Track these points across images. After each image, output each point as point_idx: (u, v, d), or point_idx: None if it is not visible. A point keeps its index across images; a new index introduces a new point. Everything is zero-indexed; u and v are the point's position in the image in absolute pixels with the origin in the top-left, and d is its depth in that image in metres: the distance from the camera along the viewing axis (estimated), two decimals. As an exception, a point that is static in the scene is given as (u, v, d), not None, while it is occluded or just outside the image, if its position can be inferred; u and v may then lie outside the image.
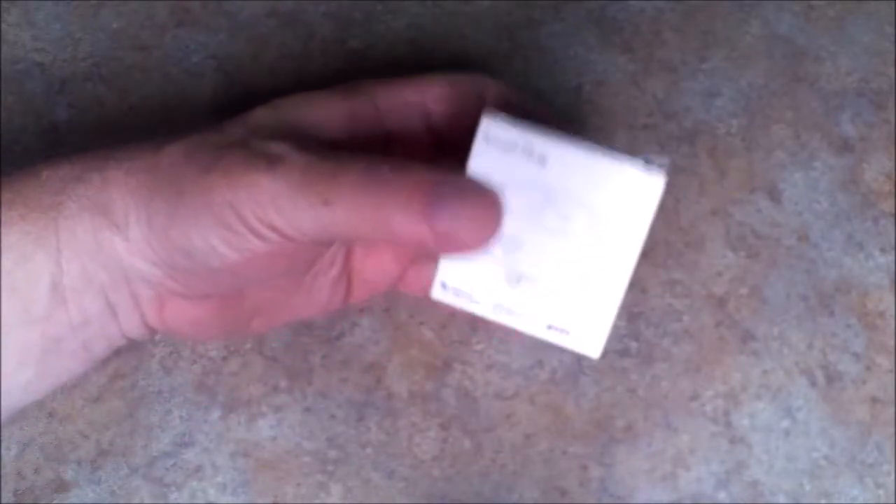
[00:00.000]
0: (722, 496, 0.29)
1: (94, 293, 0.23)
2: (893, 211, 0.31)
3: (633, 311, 0.30)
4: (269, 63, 0.32)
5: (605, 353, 0.30)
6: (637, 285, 0.31)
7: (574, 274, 0.22)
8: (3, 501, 0.28)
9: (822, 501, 0.29)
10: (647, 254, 0.31)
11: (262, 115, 0.24)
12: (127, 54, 0.32)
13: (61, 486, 0.29)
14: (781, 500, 0.29)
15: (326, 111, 0.24)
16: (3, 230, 0.22)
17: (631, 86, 0.32)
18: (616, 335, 0.30)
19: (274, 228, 0.21)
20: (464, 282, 0.23)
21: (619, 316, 0.30)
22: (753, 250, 0.31)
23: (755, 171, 0.32)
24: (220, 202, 0.21)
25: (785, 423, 0.29)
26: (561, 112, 0.32)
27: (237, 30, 0.33)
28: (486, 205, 0.20)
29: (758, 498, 0.29)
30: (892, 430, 0.29)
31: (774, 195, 0.31)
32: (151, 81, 0.32)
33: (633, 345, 0.30)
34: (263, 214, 0.21)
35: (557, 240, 0.22)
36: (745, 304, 0.30)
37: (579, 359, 0.30)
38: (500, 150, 0.21)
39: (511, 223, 0.21)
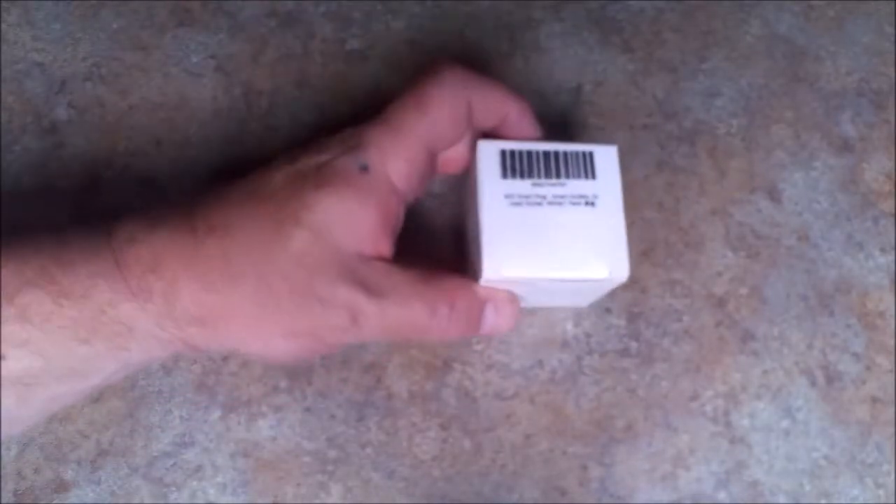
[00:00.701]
0: (722, 496, 0.29)
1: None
2: (893, 211, 0.31)
3: (633, 311, 0.30)
4: (269, 63, 0.32)
5: (605, 352, 0.30)
6: (637, 285, 0.31)
7: (579, 228, 0.25)
8: (3, 501, 0.28)
9: (822, 501, 0.29)
10: (647, 254, 0.31)
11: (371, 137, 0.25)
12: (127, 54, 0.32)
13: (61, 486, 0.29)
14: (781, 500, 0.29)
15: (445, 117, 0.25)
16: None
17: (631, 86, 0.32)
18: (616, 335, 0.30)
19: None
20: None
21: (619, 316, 0.30)
22: (753, 250, 0.31)
23: (755, 171, 0.32)
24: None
25: (785, 423, 0.29)
26: (561, 112, 0.32)
27: (237, 30, 0.33)
28: (514, 309, 0.26)
29: (758, 498, 0.29)
30: (892, 430, 0.29)
31: (774, 195, 0.31)
32: (151, 81, 0.32)
33: (633, 345, 0.30)
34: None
35: (557, 212, 0.25)
36: (745, 304, 0.30)
37: (579, 358, 0.30)
38: (499, 173, 0.25)
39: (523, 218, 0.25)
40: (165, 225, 0.23)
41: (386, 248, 0.24)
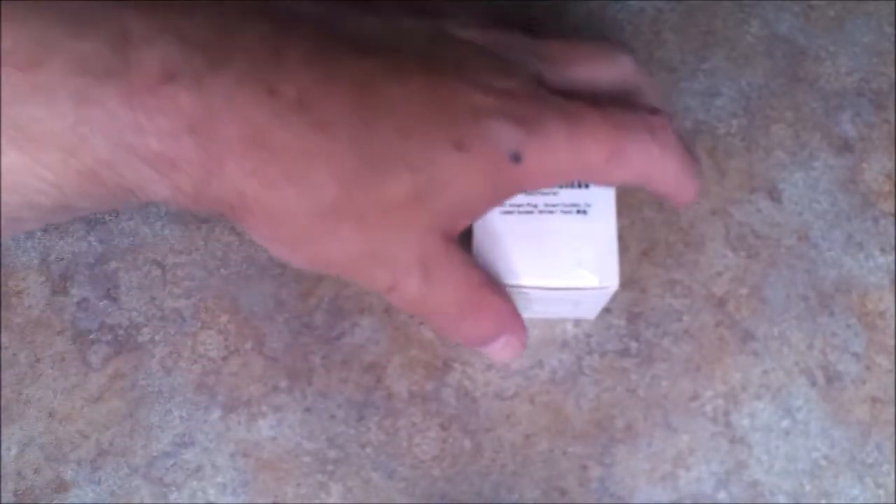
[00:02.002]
0: (722, 496, 0.29)
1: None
2: (893, 211, 0.31)
3: (633, 311, 0.30)
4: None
5: (605, 352, 0.30)
6: (637, 285, 0.31)
7: (569, 236, 0.25)
8: (3, 501, 0.28)
9: (822, 501, 0.29)
10: (647, 254, 0.31)
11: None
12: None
13: (61, 486, 0.29)
14: (781, 500, 0.29)
15: None
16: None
17: (631, 86, 0.32)
18: (616, 335, 0.30)
19: None
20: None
21: (619, 316, 0.30)
22: (753, 250, 0.31)
23: (755, 171, 0.32)
24: None
25: (785, 423, 0.29)
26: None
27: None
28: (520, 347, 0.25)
29: (758, 498, 0.29)
30: (892, 430, 0.29)
31: (774, 195, 0.31)
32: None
33: (633, 345, 0.30)
34: None
35: (548, 220, 0.25)
36: (745, 304, 0.30)
37: (579, 358, 0.30)
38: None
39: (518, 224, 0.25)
40: (232, 65, 0.18)
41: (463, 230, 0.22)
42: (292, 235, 0.20)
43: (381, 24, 0.21)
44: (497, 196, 0.21)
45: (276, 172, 0.18)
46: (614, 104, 0.21)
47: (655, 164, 0.22)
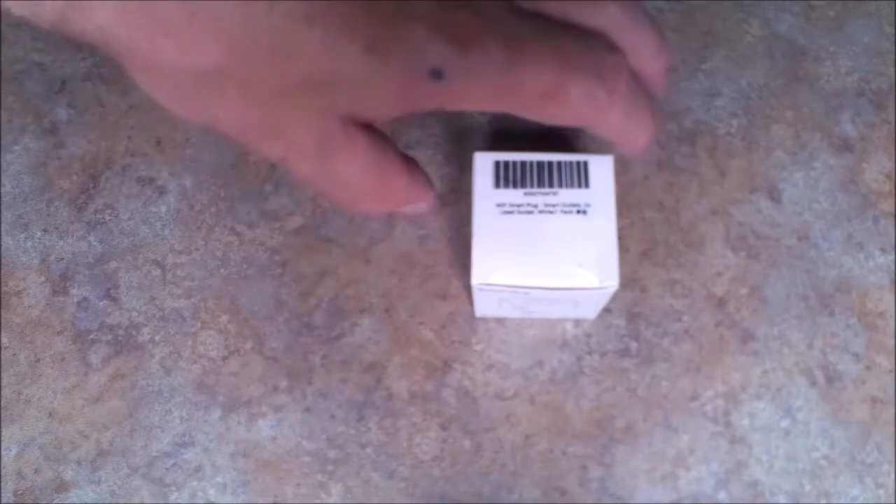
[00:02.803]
0: (722, 496, 0.29)
1: None
2: (893, 211, 0.31)
3: (633, 311, 0.30)
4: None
5: (605, 352, 0.30)
6: (637, 285, 0.31)
7: (569, 236, 0.25)
8: (3, 501, 0.28)
9: (822, 501, 0.29)
10: (647, 254, 0.31)
11: None
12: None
13: (61, 486, 0.29)
14: (781, 500, 0.29)
15: None
16: None
17: (631, 86, 0.32)
18: (616, 335, 0.30)
19: None
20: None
21: (619, 316, 0.30)
22: (753, 250, 0.31)
23: (755, 171, 0.32)
24: None
25: (785, 423, 0.29)
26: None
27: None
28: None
29: (758, 498, 0.29)
30: (892, 430, 0.29)
31: (774, 195, 0.31)
32: (151, 81, 0.32)
33: (633, 345, 0.30)
34: None
35: (548, 220, 0.25)
36: (745, 304, 0.30)
37: (579, 358, 0.30)
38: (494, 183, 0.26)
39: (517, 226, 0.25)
40: None
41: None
42: (174, 88, 0.19)
43: None
44: (409, 107, 0.19)
45: (149, 20, 0.17)
46: (570, 37, 0.19)
47: (599, 111, 0.20)
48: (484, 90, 0.19)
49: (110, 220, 0.32)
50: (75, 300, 0.31)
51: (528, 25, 0.19)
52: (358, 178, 0.20)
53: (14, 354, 0.30)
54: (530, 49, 0.19)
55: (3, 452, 0.29)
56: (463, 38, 0.18)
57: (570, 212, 0.25)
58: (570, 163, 0.26)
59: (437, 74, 0.18)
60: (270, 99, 0.18)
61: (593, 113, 0.20)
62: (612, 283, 0.24)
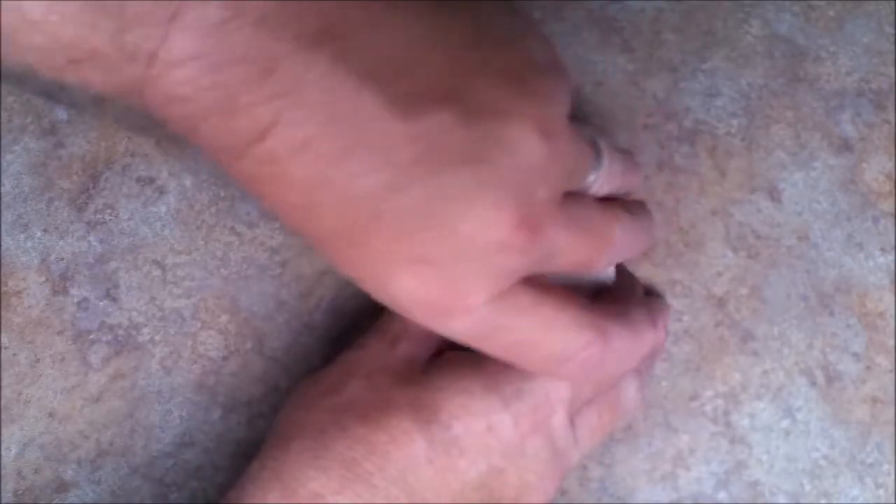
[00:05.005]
0: (722, 496, 0.29)
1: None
2: (893, 211, 0.31)
3: (633, 311, 0.30)
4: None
5: (605, 353, 0.30)
6: (637, 285, 0.31)
7: None
8: (3, 501, 0.28)
9: (822, 501, 0.29)
10: (647, 254, 0.31)
11: None
12: (127, 54, 0.32)
13: (61, 486, 0.29)
14: (781, 500, 0.29)
15: None
16: None
17: (631, 86, 0.32)
18: (616, 335, 0.30)
19: None
20: None
21: (619, 316, 0.30)
22: (753, 250, 0.31)
23: (755, 171, 0.32)
24: None
25: (785, 423, 0.29)
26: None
27: (237, 30, 0.33)
28: None
29: (758, 498, 0.29)
30: (892, 430, 0.29)
31: (774, 195, 0.31)
32: (151, 81, 0.32)
33: (633, 345, 0.30)
34: None
35: None
36: (745, 304, 0.30)
37: (579, 359, 0.30)
38: None
39: None
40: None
41: None
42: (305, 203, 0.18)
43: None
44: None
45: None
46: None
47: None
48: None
49: (110, 220, 0.32)
50: (75, 300, 0.31)
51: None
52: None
53: (14, 354, 0.30)
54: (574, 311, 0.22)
55: (3, 452, 0.29)
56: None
57: None
58: None
59: None
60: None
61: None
62: (609, 274, 0.24)
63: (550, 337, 0.21)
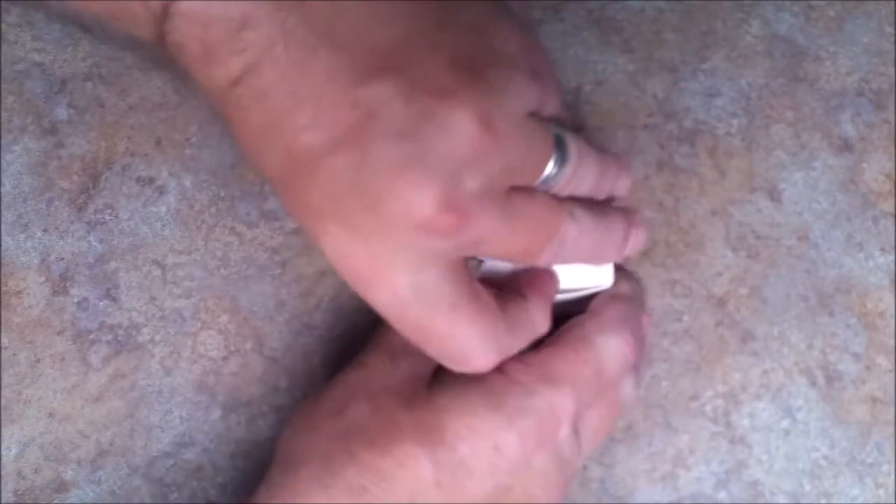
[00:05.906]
0: (722, 496, 0.29)
1: None
2: (893, 211, 0.31)
3: (633, 311, 0.30)
4: (269, 63, 0.32)
5: (605, 353, 0.30)
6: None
7: None
8: (3, 501, 0.28)
9: (822, 501, 0.29)
10: (647, 254, 0.31)
11: None
12: (127, 54, 0.32)
13: (61, 486, 0.29)
14: (781, 500, 0.29)
15: None
16: None
17: (631, 86, 0.32)
18: (616, 335, 0.30)
19: None
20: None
21: (619, 316, 0.30)
22: (753, 250, 0.31)
23: (755, 171, 0.32)
24: None
25: (785, 423, 0.29)
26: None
27: (237, 30, 0.33)
28: None
29: (758, 498, 0.29)
30: (892, 430, 0.29)
31: (774, 195, 0.31)
32: (151, 81, 0.32)
33: (633, 345, 0.30)
34: None
35: None
36: (745, 304, 0.30)
37: (579, 359, 0.30)
38: None
39: None
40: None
41: None
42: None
43: None
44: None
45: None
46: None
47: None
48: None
49: (110, 220, 0.32)
50: (75, 300, 0.31)
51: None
52: None
53: (14, 354, 0.30)
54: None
55: (3, 452, 0.29)
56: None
57: None
58: None
59: None
60: None
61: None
62: (607, 283, 0.24)
63: (456, 343, 0.21)
